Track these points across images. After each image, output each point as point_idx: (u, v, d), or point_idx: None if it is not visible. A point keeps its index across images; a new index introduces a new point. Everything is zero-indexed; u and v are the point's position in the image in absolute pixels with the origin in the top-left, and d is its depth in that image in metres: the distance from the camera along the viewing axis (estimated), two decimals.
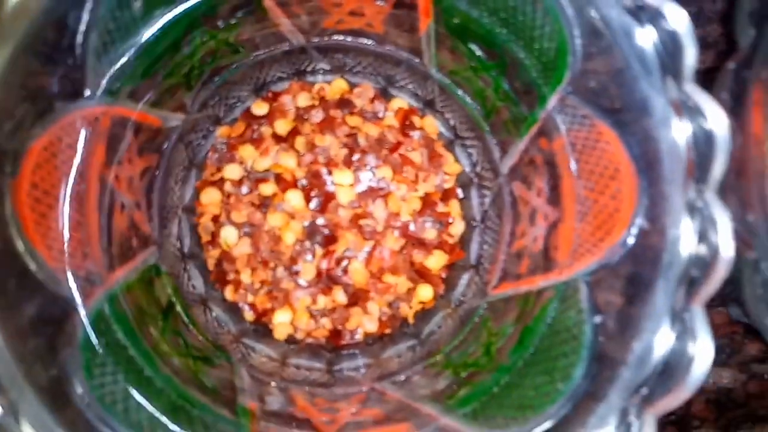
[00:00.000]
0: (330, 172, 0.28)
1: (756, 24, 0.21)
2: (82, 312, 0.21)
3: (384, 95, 0.29)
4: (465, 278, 0.27)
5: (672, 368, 0.19)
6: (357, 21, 0.25)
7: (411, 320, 0.27)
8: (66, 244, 0.21)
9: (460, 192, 0.29)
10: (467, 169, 0.28)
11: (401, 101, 0.29)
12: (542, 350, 0.21)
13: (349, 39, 0.27)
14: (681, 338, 0.19)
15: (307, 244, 0.27)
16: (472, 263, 0.27)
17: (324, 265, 0.27)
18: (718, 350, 0.30)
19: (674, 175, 0.20)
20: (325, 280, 0.27)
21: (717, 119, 0.19)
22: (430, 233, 0.28)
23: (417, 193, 0.28)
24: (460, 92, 0.27)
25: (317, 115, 0.28)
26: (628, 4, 0.20)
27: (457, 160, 0.29)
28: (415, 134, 0.28)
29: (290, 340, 0.27)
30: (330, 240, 0.27)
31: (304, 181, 0.28)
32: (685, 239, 0.19)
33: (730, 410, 0.30)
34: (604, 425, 0.19)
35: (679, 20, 0.19)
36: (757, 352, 0.30)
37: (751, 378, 0.30)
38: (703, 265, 0.19)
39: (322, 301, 0.27)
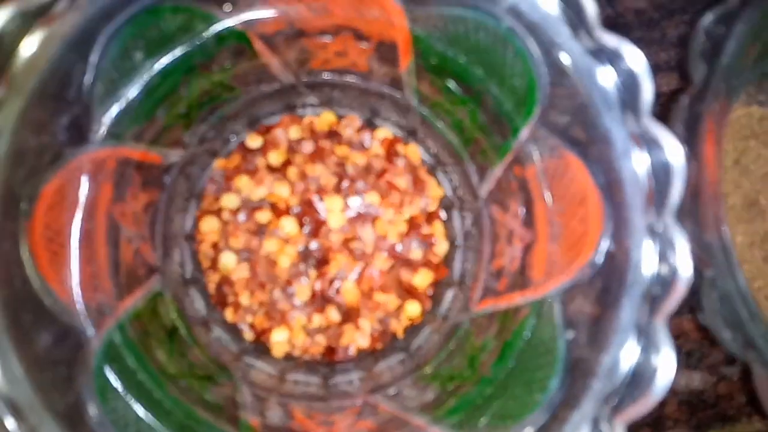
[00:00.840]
0: (321, 199, 0.29)
1: (707, 61, 0.23)
2: (95, 342, 0.22)
3: (370, 126, 0.31)
4: (450, 295, 0.29)
5: (638, 378, 0.21)
6: (342, 61, 0.27)
7: (401, 335, 0.29)
8: (77, 279, 0.22)
9: (443, 214, 0.30)
10: (449, 193, 0.30)
11: (386, 131, 0.30)
12: (521, 363, 0.23)
13: (335, 76, 0.28)
14: (646, 351, 0.21)
15: (302, 266, 0.29)
16: (456, 280, 0.29)
17: (318, 286, 0.29)
18: (689, 355, 0.32)
19: (635, 201, 0.21)
20: (319, 300, 0.29)
21: (673, 150, 0.21)
22: (416, 253, 0.30)
23: (403, 216, 0.30)
24: (440, 123, 0.29)
25: (308, 146, 0.30)
26: (590, 46, 0.22)
27: (439, 184, 0.30)
28: (400, 161, 0.30)
29: (288, 357, 0.29)
30: (323, 262, 0.29)
31: (297, 209, 0.29)
32: (646, 260, 0.21)
33: (701, 411, 0.31)
34: None
35: (636, 60, 0.21)
36: (725, 356, 0.32)
37: (720, 380, 0.32)
38: (664, 283, 0.21)
39: (317, 320, 0.29)
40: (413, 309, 0.29)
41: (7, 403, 0.19)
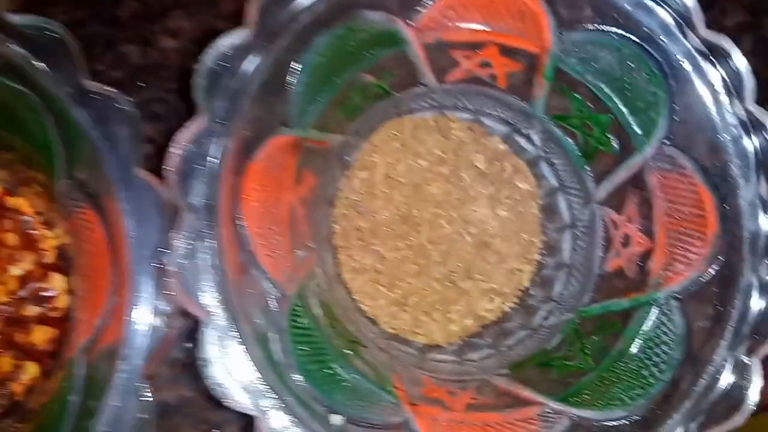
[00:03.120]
0: None
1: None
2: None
3: None
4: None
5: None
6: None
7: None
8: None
9: (59, 265, 0.29)
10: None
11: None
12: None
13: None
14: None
15: None
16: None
17: None
18: None
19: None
20: None
21: None
22: (32, 310, 0.29)
23: (13, 273, 0.29)
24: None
25: None
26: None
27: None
28: (8, 217, 0.29)
29: None
30: None
31: None
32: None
33: None
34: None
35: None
36: None
37: None
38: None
39: None
40: (32, 369, 0.28)
41: None
